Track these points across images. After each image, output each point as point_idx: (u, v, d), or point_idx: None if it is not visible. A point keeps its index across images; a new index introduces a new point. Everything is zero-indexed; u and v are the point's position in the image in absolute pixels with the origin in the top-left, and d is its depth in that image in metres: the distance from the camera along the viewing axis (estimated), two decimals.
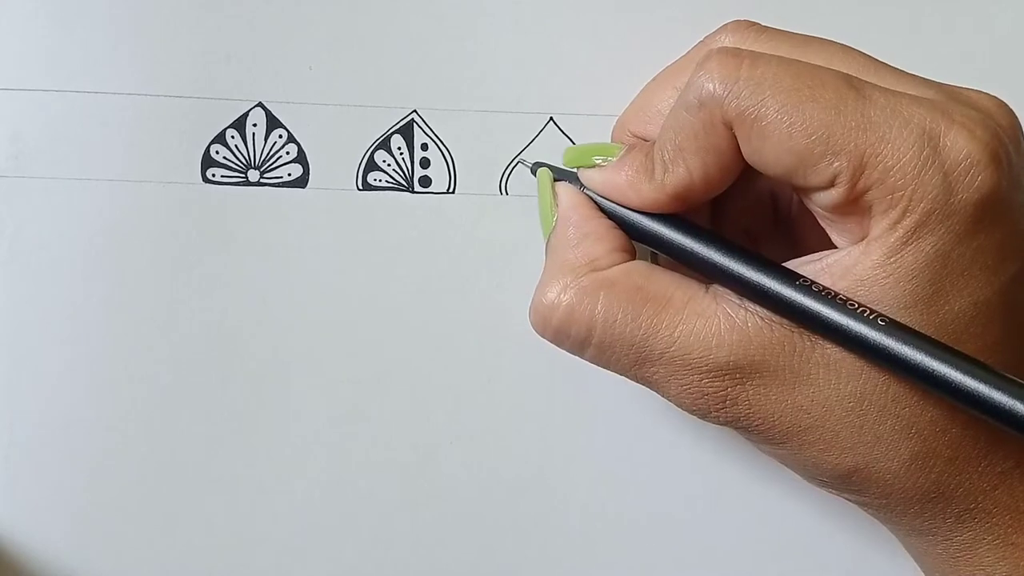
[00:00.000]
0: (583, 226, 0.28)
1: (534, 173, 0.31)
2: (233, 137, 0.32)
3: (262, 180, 0.33)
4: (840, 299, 0.25)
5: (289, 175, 0.33)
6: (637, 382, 0.28)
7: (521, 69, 0.33)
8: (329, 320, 0.33)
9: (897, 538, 0.29)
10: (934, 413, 0.25)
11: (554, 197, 0.30)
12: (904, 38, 0.28)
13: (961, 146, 0.24)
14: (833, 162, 0.24)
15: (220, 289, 0.32)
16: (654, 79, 0.30)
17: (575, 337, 0.27)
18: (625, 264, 0.28)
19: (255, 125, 0.32)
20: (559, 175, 0.30)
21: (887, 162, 0.24)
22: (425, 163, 0.33)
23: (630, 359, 0.27)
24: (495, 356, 0.33)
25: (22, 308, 0.32)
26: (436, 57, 0.33)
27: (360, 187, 0.33)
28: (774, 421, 0.26)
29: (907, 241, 0.24)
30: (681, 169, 0.27)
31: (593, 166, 0.29)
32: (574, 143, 0.33)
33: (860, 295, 0.25)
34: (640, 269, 0.27)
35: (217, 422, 0.32)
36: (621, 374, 0.28)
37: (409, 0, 0.33)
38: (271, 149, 0.32)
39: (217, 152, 0.32)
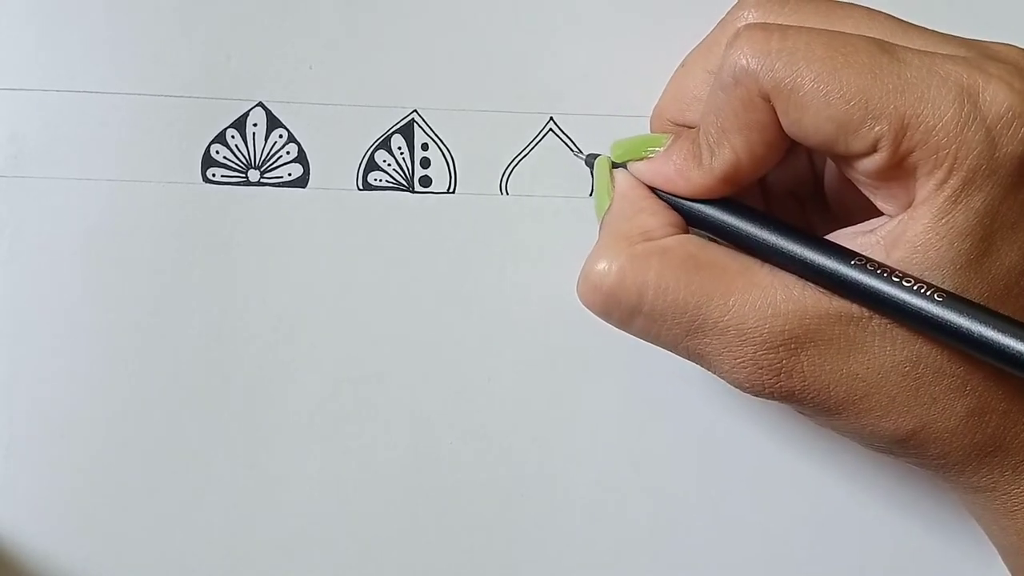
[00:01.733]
0: (639, 202, 0.28)
1: (588, 164, 0.31)
2: (233, 137, 0.32)
3: (262, 180, 0.33)
4: (896, 276, 0.24)
5: (289, 175, 0.33)
6: (687, 357, 0.28)
7: (521, 69, 0.33)
8: (329, 320, 0.33)
9: (957, 496, 0.29)
10: (987, 369, 0.25)
11: (612, 181, 0.29)
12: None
13: (1001, 100, 0.24)
14: (874, 126, 0.24)
15: (220, 289, 0.32)
16: (682, 65, 0.30)
17: (625, 304, 0.27)
18: (679, 235, 0.27)
19: (255, 125, 0.32)
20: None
21: (928, 122, 0.24)
22: (425, 163, 0.33)
23: (682, 328, 0.27)
24: (495, 356, 0.33)
25: (22, 308, 0.32)
26: (436, 57, 0.33)
27: (360, 187, 0.33)
28: (830, 392, 0.26)
29: (956, 200, 0.24)
30: (727, 150, 0.26)
31: (643, 159, 0.29)
32: (574, 143, 0.33)
33: (916, 261, 0.25)
34: (694, 240, 0.27)
35: (217, 422, 0.32)
36: (671, 348, 0.28)
37: (409, 0, 0.33)
38: (271, 149, 0.32)
39: (217, 152, 0.32)
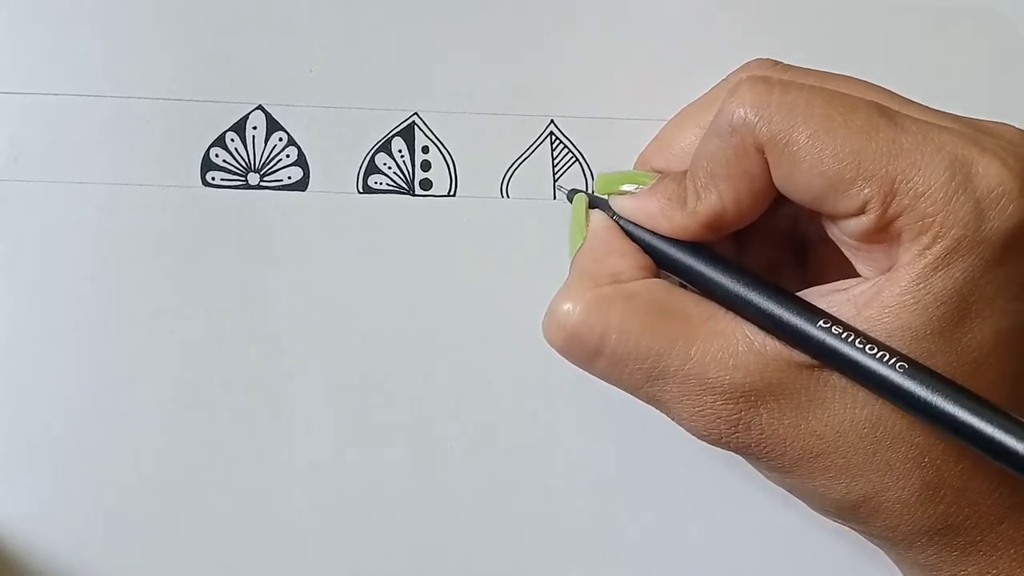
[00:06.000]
0: (610, 243, 0.28)
1: (570, 199, 0.31)
2: (233, 140, 0.32)
3: (262, 183, 0.32)
4: (860, 342, 0.24)
5: (289, 178, 0.32)
6: (647, 402, 0.28)
7: (521, 71, 0.33)
8: (329, 323, 0.33)
9: (900, 570, 0.29)
10: (946, 443, 0.25)
11: (587, 220, 0.29)
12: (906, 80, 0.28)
13: (993, 174, 0.24)
14: (864, 188, 0.24)
15: (220, 293, 0.32)
16: (676, 116, 0.30)
17: (587, 345, 0.27)
18: (647, 280, 0.27)
19: (255, 128, 0.32)
20: (593, 202, 0.30)
21: (918, 188, 0.24)
22: (426, 166, 0.33)
23: (643, 374, 0.27)
24: (495, 358, 0.33)
25: (22, 311, 0.32)
26: (437, 59, 0.33)
27: (361, 190, 0.33)
28: (787, 447, 0.26)
29: (936, 268, 0.24)
30: (713, 196, 0.26)
31: (626, 194, 0.29)
32: (574, 144, 0.33)
33: (886, 322, 0.24)
34: (662, 285, 0.27)
35: (217, 424, 0.32)
36: (632, 392, 0.28)
37: (408, 2, 0.33)
38: (271, 152, 0.32)
39: (217, 155, 0.32)
